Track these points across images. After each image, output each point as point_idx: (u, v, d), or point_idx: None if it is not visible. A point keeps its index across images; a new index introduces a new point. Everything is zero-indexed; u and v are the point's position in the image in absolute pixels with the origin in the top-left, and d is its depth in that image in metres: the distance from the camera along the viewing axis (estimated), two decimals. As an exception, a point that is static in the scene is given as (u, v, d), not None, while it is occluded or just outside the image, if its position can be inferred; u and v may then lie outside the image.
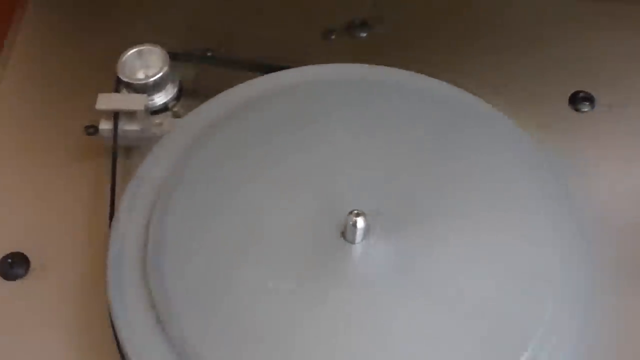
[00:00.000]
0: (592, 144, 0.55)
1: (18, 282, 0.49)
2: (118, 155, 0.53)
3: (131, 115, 0.54)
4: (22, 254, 0.50)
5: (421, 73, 0.54)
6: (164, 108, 0.57)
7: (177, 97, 0.57)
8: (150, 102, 0.56)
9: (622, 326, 0.47)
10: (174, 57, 0.56)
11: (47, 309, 0.48)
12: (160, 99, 0.57)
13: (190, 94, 0.57)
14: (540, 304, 0.44)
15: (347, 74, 0.53)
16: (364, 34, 0.61)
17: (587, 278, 0.45)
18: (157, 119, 0.56)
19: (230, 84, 0.55)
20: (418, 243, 0.46)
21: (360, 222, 0.44)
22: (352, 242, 0.45)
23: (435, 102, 0.51)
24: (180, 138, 0.52)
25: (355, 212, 0.44)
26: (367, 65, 0.54)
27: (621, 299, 0.48)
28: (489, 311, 0.43)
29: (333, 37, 0.60)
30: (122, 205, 0.49)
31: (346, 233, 0.45)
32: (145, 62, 0.56)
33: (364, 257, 0.45)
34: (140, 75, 0.56)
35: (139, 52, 0.56)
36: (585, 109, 0.57)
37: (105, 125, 0.55)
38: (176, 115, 0.56)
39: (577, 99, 0.57)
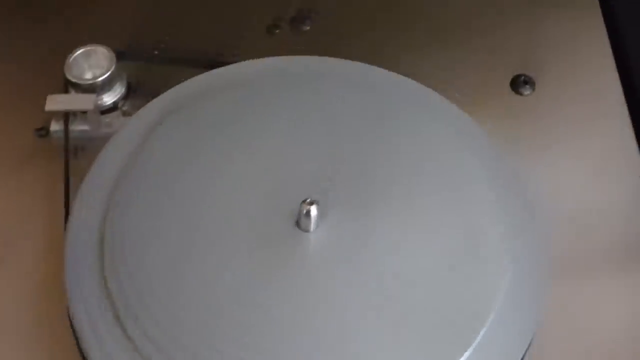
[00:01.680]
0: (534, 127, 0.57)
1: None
2: (70, 156, 0.54)
3: (81, 115, 0.55)
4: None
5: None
6: (113, 107, 0.57)
7: (126, 96, 0.57)
8: (99, 102, 0.56)
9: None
10: (121, 56, 0.57)
11: (5, 306, 0.49)
12: (109, 98, 0.57)
13: (139, 92, 0.58)
14: (490, 288, 0.45)
15: (290, 66, 0.54)
16: (308, 27, 0.62)
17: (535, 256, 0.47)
18: (107, 118, 0.56)
19: (178, 80, 0.55)
20: (369, 229, 0.47)
21: (314, 211, 0.45)
22: (307, 230, 0.46)
23: (376, 89, 0.53)
24: (130, 136, 0.52)
25: (309, 200, 0.45)
26: (309, 56, 0.55)
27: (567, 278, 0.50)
28: (440, 297, 0.45)
29: (278, 31, 0.61)
30: (77, 204, 0.49)
31: (300, 222, 0.46)
32: (92, 62, 0.57)
33: (317, 245, 0.46)
34: (88, 75, 0.56)
35: (86, 53, 0.56)
36: (527, 92, 0.58)
37: (56, 127, 0.55)
38: (125, 114, 0.57)
39: (519, 83, 0.59)
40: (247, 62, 0.55)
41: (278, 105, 0.52)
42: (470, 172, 0.49)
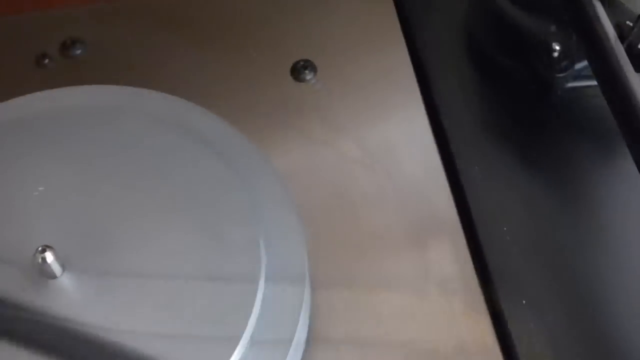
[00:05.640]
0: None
1: None
2: None
3: None
4: None
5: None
6: None
7: None
8: None
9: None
10: None
11: None
12: None
13: None
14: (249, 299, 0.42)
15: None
16: (79, 52, 0.58)
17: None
18: None
19: None
20: (120, 267, 0.44)
21: (50, 257, 0.42)
22: (52, 277, 0.43)
23: (125, 112, 0.50)
24: None
25: (40, 248, 0.42)
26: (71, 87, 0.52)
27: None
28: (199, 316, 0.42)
29: (47, 61, 0.58)
30: None
31: (42, 270, 0.43)
32: None
33: (65, 290, 0.43)
34: None
35: None
36: (308, 78, 0.55)
37: None
38: None
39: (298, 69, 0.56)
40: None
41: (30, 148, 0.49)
42: (221, 183, 0.46)
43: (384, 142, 0.53)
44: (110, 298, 0.43)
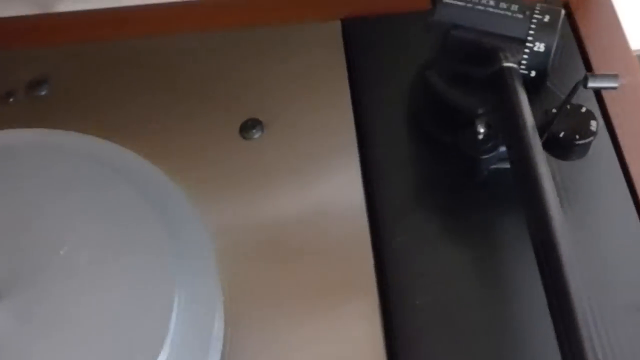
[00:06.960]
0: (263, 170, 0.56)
1: None
2: None
3: None
4: None
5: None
6: None
7: None
8: None
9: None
10: None
11: None
12: None
13: None
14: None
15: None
16: (44, 92, 0.61)
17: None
18: None
19: None
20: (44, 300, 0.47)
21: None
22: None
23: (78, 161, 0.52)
24: None
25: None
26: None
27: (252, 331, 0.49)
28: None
29: (12, 100, 0.61)
30: None
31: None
32: None
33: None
34: None
35: None
36: (256, 136, 0.57)
37: None
38: None
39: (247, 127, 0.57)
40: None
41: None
42: (146, 229, 0.49)
43: (318, 202, 0.54)
44: (30, 327, 0.46)
